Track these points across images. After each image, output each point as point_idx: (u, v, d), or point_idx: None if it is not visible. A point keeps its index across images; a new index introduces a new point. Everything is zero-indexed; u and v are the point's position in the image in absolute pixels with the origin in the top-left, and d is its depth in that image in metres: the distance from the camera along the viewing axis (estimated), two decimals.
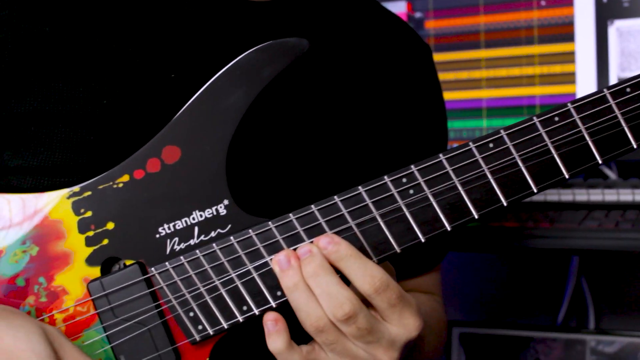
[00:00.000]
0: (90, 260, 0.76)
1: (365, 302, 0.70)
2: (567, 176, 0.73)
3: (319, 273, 0.69)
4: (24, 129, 0.82)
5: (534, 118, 0.73)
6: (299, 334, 0.71)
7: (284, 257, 0.71)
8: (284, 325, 0.71)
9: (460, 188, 0.72)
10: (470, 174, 0.73)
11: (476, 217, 0.73)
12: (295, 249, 0.72)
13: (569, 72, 1.52)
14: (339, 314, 0.67)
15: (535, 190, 0.73)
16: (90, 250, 0.76)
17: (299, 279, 0.70)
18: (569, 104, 0.73)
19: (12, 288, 0.76)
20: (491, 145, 0.73)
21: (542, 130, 0.72)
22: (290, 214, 0.73)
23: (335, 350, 0.70)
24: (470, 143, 0.73)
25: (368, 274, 0.69)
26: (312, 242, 0.72)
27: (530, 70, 1.55)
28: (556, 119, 0.72)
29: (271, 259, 0.72)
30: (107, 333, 0.75)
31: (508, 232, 1.31)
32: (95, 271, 0.76)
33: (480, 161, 0.72)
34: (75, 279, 0.76)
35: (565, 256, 1.65)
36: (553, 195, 1.40)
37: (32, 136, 0.82)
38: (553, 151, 0.72)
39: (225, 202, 0.75)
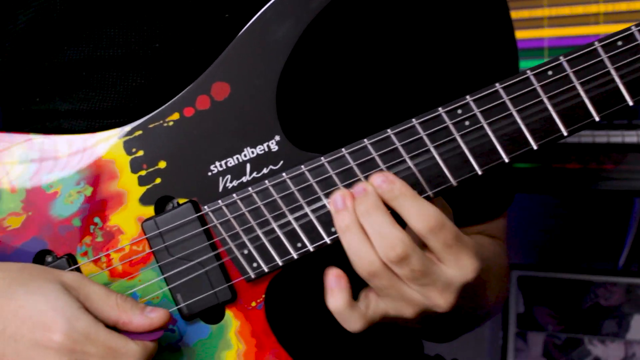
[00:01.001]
0: (144, 200, 0.76)
1: (421, 244, 0.68)
2: (631, 103, 0.69)
3: (371, 212, 0.67)
4: (75, 75, 0.82)
5: (596, 43, 0.69)
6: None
7: (339, 197, 0.69)
8: (346, 282, 0.69)
9: (517, 118, 0.70)
10: (529, 103, 0.70)
11: (535, 148, 0.71)
12: (350, 188, 0.70)
13: (635, 9, 1.45)
14: (392, 255, 0.66)
15: (597, 119, 0.70)
16: (143, 189, 0.76)
17: (352, 220, 0.68)
18: (632, 27, 0.69)
19: (69, 228, 0.77)
20: (550, 72, 0.70)
21: (604, 56, 0.69)
22: (343, 149, 0.72)
23: (390, 295, 0.69)
24: (528, 71, 0.70)
25: (423, 213, 0.66)
26: (366, 180, 0.70)
27: (594, 8, 1.48)
28: (619, 43, 0.68)
29: (327, 198, 0.71)
30: (164, 274, 0.76)
31: (570, 174, 1.28)
32: (149, 210, 0.76)
33: (539, 89, 0.69)
34: (129, 218, 0.76)
35: (628, 198, 1.61)
36: (617, 137, 1.35)
37: (84, 81, 0.82)
38: (616, 77, 0.69)
39: (277, 137, 0.74)
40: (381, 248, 0.66)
